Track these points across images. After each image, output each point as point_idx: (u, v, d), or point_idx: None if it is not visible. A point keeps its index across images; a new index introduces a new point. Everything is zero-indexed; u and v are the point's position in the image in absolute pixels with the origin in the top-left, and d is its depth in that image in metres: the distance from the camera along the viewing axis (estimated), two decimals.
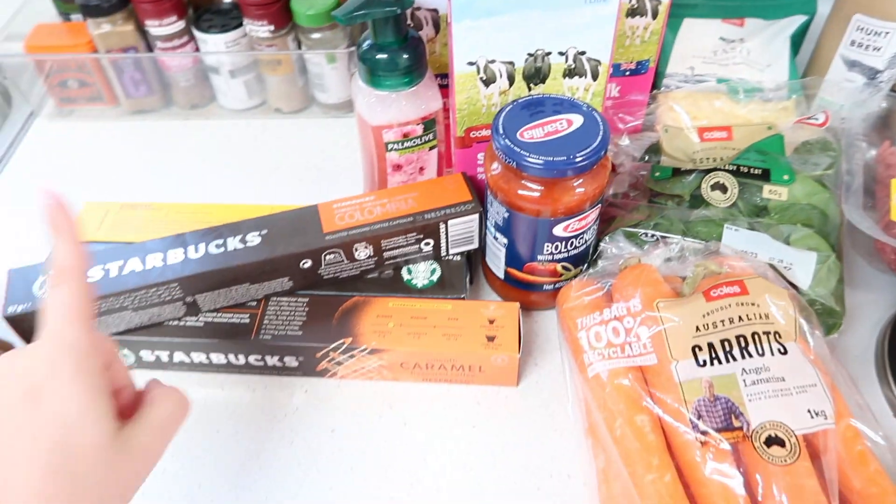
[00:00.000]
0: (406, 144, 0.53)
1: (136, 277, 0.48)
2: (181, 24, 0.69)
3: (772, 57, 0.62)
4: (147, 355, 0.51)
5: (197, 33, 0.69)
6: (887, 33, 0.56)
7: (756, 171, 0.52)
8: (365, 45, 0.50)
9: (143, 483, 0.34)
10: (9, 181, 0.71)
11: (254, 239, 0.50)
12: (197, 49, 0.71)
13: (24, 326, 0.47)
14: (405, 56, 0.49)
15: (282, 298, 0.52)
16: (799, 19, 0.65)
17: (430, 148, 0.55)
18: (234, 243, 0.50)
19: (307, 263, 0.50)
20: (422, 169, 0.56)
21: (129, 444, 0.33)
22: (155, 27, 0.68)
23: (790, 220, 0.50)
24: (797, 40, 0.65)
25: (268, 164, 0.70)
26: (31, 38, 0.71)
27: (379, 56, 0.49)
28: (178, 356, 0.51)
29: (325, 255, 0.50)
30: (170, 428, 0.36)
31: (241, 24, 0.68)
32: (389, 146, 0.53)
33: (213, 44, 0.69)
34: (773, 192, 0.52)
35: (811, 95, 0.60)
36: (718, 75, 0.61)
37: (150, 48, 0.70)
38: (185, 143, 0.73)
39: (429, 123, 0.53)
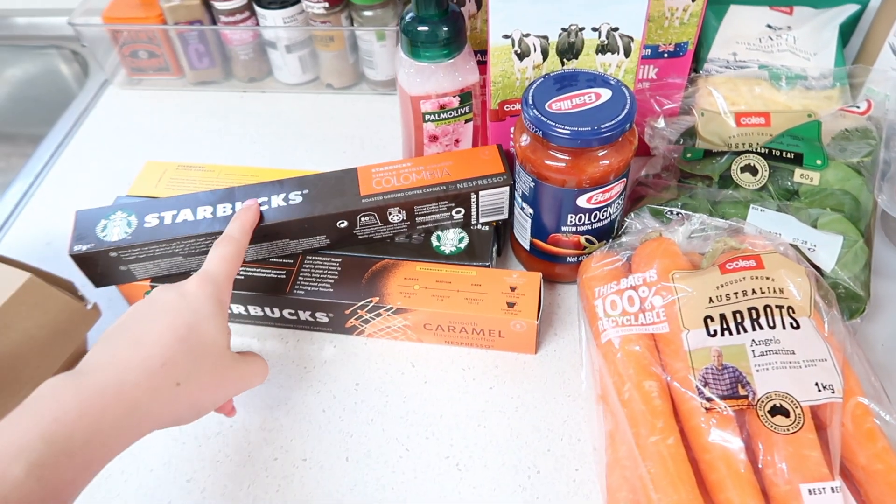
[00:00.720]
0: (442, 116, 0.55)
1: (188, 226, 0.52)
2: (244, 0, 0.73)
3: (819, 46, 0.61)
4: None
5: (258, 9, 0.73)
6: None
7: (788, 155, 0.52)
8: (407, 18, 0.52)
9: (214, 407, 0.43)
10: (82, 140, 0.77)
11: (296, 198, 0.53)
12: (257, 24, 0.75)
13: (88, 263, 0.52)
14: (445, 28, 0.51)
15: (316, 258, 0.55)
16: (850, 8, 0.63)
17: (466, 121, 0.56)
18: (277, 200, 0.53)
19: (343, 223, 0.53)
20: (457, 141, 0.58)
21: (234, 363, 0.43)
22: (220, 2, 0.72)
23: (820, 205, 0.50)
24: (847, 30, 0.63)
25: (316, 135, 0.74)
26: (108, 10, 0.77)
27: (420, 28, 0.51)
28: None
29: (360, 217, 0.53)
30: (255, 379, 0.45)
31: (298, 1, 0.72)
32: (426, 117, 0.55)
33: (272, 19, 0.72)
34: (804, 177, 0.51)
35: (857, 85, 0.59)
36: (761, 62, 0.61)
37: (214, 22, 0.75)
38: (242, 114, 0.77)
39: (465, 96, 0.55)
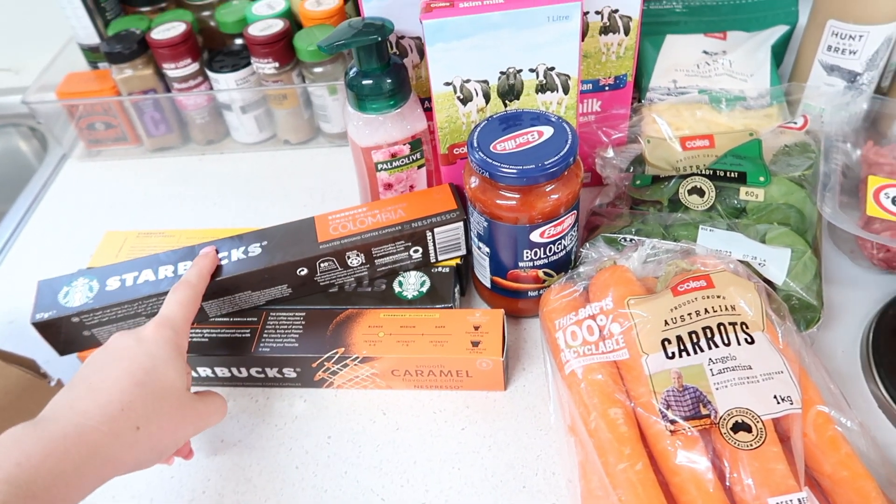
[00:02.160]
0: (395, 164, 0.56)
1: (149, 286, 0.52)
2: (195, 66, 0.74)
3: (754, 67, 0.64)
4: None
5: (210, 73, 0.74)
6: (861, 36, 0.57)
7: (732, 175, 0.54)
8: (351, 73, 0.53)
9: (178, 446, 0.43)
10: (42, 216, 0.76)
11: (255, 249, 0.54)
12: (210, 88, 0.76)
13: (51, 331, 0.51)
14: (388, 80, 0.52)
15: (280, 313, 0.55)
16: (780, 30, 0.66)
17: (419, 167, 0.57)
18: (237, 254, 0.53)
19: (303, 271, 0.53)
20: (412, 187, 0.59)
21: (192, 403, 0.44)
22: (172, 70, 0.74)
23: (767, 220, 0.51)
24: (779, 50, 0.66)
25: (277, 192, 0.74)
26: (62, 85, 0.78)
27: (364, 81, 0.52)
28: None
29: (319, 263, 0.53)
30: (214, 417, 0.46)
31: (249, 63, 0.73)
32: (379, 166, 0.56)
33: (225, 82, 0.74)
34: (749, 194, 0.53)
35: (793, 102, 0.61)
36: (701, 87, 0.63)
37: (168, 89, 0.76)
38: (202, 177, 0.78)
39: (415, 143, 0.56)
